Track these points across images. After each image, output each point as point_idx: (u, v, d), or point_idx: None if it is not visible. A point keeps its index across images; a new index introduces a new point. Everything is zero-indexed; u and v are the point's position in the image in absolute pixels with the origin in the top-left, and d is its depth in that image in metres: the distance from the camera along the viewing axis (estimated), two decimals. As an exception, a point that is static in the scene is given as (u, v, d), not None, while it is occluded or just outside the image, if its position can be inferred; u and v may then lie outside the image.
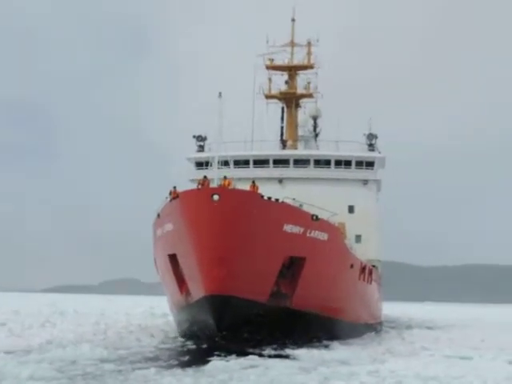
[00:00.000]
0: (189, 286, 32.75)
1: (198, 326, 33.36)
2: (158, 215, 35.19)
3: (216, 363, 24.71)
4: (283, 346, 31.35)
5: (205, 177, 32.78)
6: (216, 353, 28.12)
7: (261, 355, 27.91)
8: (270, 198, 31.88)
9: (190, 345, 32.76)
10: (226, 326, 30.50)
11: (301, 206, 35.91)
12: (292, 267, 33.42)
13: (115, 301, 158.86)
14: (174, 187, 33.66)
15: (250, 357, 26.82)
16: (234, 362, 25.08)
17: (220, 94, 32.16)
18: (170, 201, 32.66)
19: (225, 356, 27.12)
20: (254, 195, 31.65)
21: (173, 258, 33.72)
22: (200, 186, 32.04)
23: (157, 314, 67.42)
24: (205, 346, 31.20)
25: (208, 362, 24.96)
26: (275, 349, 30.54)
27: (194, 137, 52.99)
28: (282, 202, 33.06)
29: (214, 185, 31.98)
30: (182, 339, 35.68)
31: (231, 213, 29.64)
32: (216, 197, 29.36)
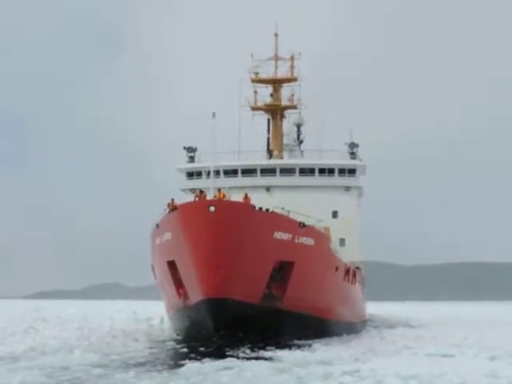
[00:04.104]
0: (187, 290, 35.30)
1: (195, 327, 35.81)
2: (157, 225, 37.85)
3: (191, 365, 24.95)
4: (264, 347, 32.25)
5: (201, 191, 35.55)
6: (192, 355, 29.14)
7: (238, 357, 28.49)
8: (261, 209, 34.67)
9: (179, 348, 33.82)
10: (222, 327, 32.99)
11: (288, 213, 38.68)
12: (282, 271, 36.00)
13: (98, 306, 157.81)
14: (172, 199, 36.63)
15: (228, 359, 27.26)
16: (209, 364, 25.34)
17: (214, 114, 34.81)
18: (169, 212, 35.48)
19: (201, 358, 27.70)
20: (247, 206, 34.38)
21: (171, 265, 36.33)
22: (197, 199, 34.92)
23: (140, 318, 67.62)
24: (198, 346, 32.73)
25: (183, 364, 25.45)
26: (254, 350, 31.35)
27: (184, 148, 55.57)
28: (272, 212, 35.72)
29: (210, 193, 34.78)
30: (171, 342, 37.33)
31: (226, 223, 32.19)
32: (212, 208, 32.03)
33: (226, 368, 24.51)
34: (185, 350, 32.34)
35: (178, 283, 36.40)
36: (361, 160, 54.89)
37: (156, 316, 63.78)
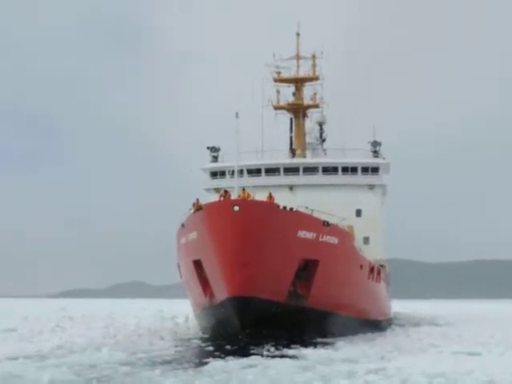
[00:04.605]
0: (213, 289, 35.67)
1: (221, 326, 36.20)
2: (182, 225, 38.28)
3: (215, 364, 24.91)
4: (288, 345, 32.13)
5: (225, 191, 35.91)
6: (217, 353, 29.27)
7: (262, 355, 28.50)
8: (285, 208, 34.96)
9: (205, 346, 33.89)
10: (248, 325, 33.27)
11: (312, 212, 38.91)
12: (307, 269, 36.34)
13: (123, 304, 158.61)
14: (197, 199, 37.09)
15: (252, 357, 27.35)
16: (234, 363, 25.29)
17: (237, 114, 35.13)
18: (194, 212, 35.88)
19: (225, 357, 27.72)
20: (271, 206, 34.69)
21: (197, 264, 36.72)
22: (222, 198, 35.30)
23: (165, 317, 67.79)
24: (224, 344, 32.85)
25: (208, 362, 25.41)
26: (279, 349, 31.31)
27: (207, 148, 55.99)
28: (296, 211, 35.99)
29: (234, 193, 35.13)
30: (197, 340, 37.54)
31: (251, 222, 32.50)
32: (237, 207, 32.35)
33: (251, 366, 24.57)
34: (210, 348, 32.45)
35: (204, 282, 36.78)
36: (384, 158, 54.91)
37: (181, 314, 64.16)
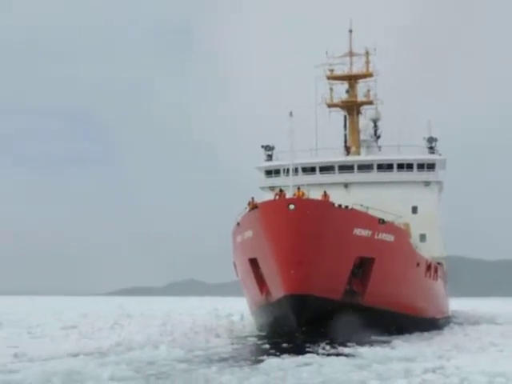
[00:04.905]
0: (269, 287, 35.97)
1: (278, 323, 36.48)
2: (238, 224, 38.64)
3: (271, 361, 25.05)
4: (344, 343, 32.09)
5: (280, 189, 36.08)
6: (272, 351, 29.41)
7: (318, 353, 28.47)
8: (340, 206, 34.94)
9: (261, 344, 34.05)
10: (304, 322, 33.48)
11: (367, 209, 38.78)
12: (362, 267, 36.35)
13: (179, 302, 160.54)
14: (252, 198, 37.43)
15: (307, 355, 27.26)
16: (289, 360, 25.42)
17: (291, 113, 35.23)
18: (249, 211, 36.18)
19: (280, 354, 27.77)
20: (326, 204, 34.76)
21: (253, 262, 37.03)
22: (277, 197, 35.50)
23: (221, 314, 68.51)
24: (280, 341, 32.99)
25: (263, 360, 25.57)
26: (334, 347, 31.19)
27: (262, 147, 56.22)
28: (352, 209, 35.96)
29: (289, 191, 35.27)
30: (253, 338, 37.85)
31: (306, 220, 32.66)
32: (292, 206, 32.52)
33: (306, 364, 24.59)
34: (266, 345, 32.60)
35: (260, 280, 37.09)
36: (440, 154, 54.21)
37: (236, 312, 64.69)
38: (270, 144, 56.09)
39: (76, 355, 27.25)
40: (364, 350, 29.35)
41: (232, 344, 34.28)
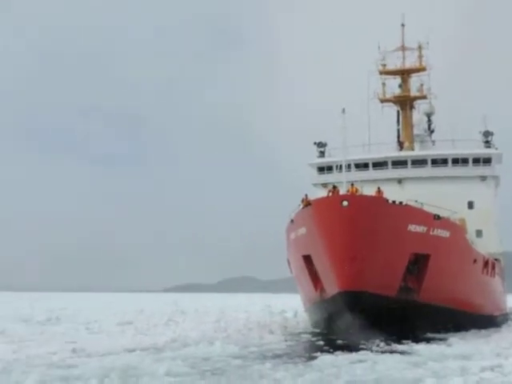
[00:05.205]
0: (323, 284, 35.87)
1: (332, 320, 36.41)
2: (292, 221, 38.65)
3: (324, 358, 24.93)
4: (399, 341, 31.77)
5: (334, 186, 35.95)
6: (326, 348, 29.37)
7: (371, 350, 28.29)
8: (394, 202, 34.61)
9: (315, 341, 33.89)
10: (359, 319, 33.42)
11: (422, 205, 38.30)
12: (417, 264, 35.95)
13: (233, 299, 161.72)
14: (306, 195, 37.39)
15: (361, 352, 27.13)
16: (343, 357, 25.27)
17: (343, 110, 35.06)
18: (303, 208, 36.14)
19: (333, 351, 27.63)
20: (380, 200, 34.50)
21: (307, 259, 37.00)
22: (330, 194, 35.39)
23: (274, 311, 68.45)
24: (334, 338, 33.15)
25: (317, 357, 25.46)
26: (388, 344, 31.02)
27: (314, 143, 56.03)
28: (406, 205, 35.56)
29: (342, 187, 35.12)
30: (306, 335, 37.73)
31: (360, 216, 32.46)
32: (345, 203, 32.37)
33: (360, 361, 24.40)
34: (320, 342, 32.57)
35: (314, 277, 37.03)
36: (496, 148, 53.16)
37: (290, 309, 64.74)
38: (323, 141, 55.88)
39: (132, 351, 27.62)
40: (419, 348, 29.04)
41: (286, 341, 34.32)
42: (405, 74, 57.57)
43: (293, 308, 62.10)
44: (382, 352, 27.89)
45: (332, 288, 34.27)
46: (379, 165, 52.58)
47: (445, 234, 36.73)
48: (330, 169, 52.54)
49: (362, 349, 28.77)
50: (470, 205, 51.22)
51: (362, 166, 52.12)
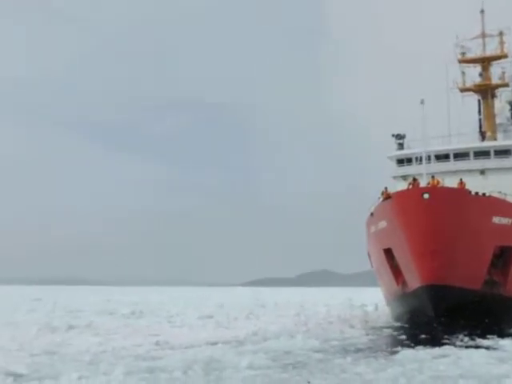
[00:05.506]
0: (405, 277, 35.42)
1: (414, 314, 35.91)
2: (372, 214, 38.32)
3: (406, 353, 24.61)
4: (483, 335, 30.93)
5: (414, 179, 35.44)
6: (407, 342, 28.88)
7: (455, 345, 27.68)
8: (477, 193, 33.83)
9: (397, 335, 33.48)
10: (442, 313, 32.74)
11: (505, 196, 37.30)
12: (503, 257, 35.08)
13: (312, 292, 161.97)
14: (386, 188, 36.98)
15: (444, 347, 26.54)
16: (425, 352, 24.75)
17: (422, 100, 34.55)
18: (383, 201, 35.78)
19: (414, 346, 27.15)
20: (462, 192, 33.77)
21: (388, 252, 36.62)
22: (410, 186, 34.89)
23: (354, 305, 67.81)
24: (417, 333, 32.36)
25: (398, 351, 25.10)
26: (473, 338, 30.22)
27: (393, 135, 55.25)
28: (490, 196, 34.74)
29: (423, 180, 34.56)
30: (388, 329, 37.30)
31: (442, 209, 31.86)
32: (427, 195, 31.84)
33: (443, 356, 23.80)
34: (402, 336, 32.04)
35: (396, 270, 36.62)
36: None
37: (370, 302, 64.15)
38: (401, 132, 55.06)
39: (214, 344, 27.88)
40: (505, 343, 28.15)
41: (367, 335, 34.02)
42: (485, 61, 56.00)
43: (373, 302, 61.44)
44: (466, 347, 27.27)
45: (414, 282, 33.81)
46: (461, 156, 51.37)
47: None
48: (409, 161, 51.68)
49: (446, 343, 28.21)
50: (557, 195, 49.49)
51: (443, 157, 51.02)
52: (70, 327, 36.30)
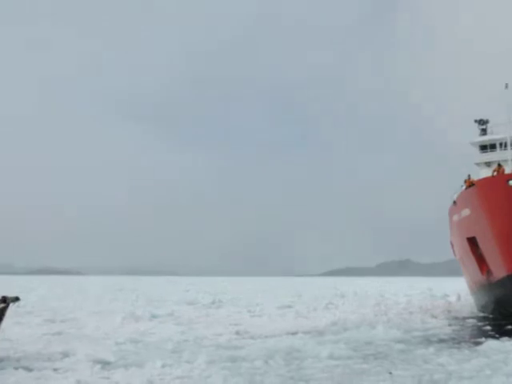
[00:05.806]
0: (490, 266, 34.53)
1: (500, 304, 34.95)
2: (454, 202, 37.44)
3: (491, 343, 24.18)
4: None
5: (499, 165, 34.39)
6: (492, 333, 28.43)
7: None
8: None
9: (481, 325, 32.87)
10: None
11: None
12: None
13: (391, 282, 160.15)
14: (469, 175, 36.03)
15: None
16: (511, 343, 24.32)
17: (506, 85, 33.50)
18: (466, 188, 34.89)
19: (499, 337, 26.72)
20: None
21: (471, 241, 35.73)
22: (495, 173, 33.87)
23: (436, 295, 66.88)
24: (503, 323, 31.97)
25: (483, 342, 24.72)
26: None
27: (475, 121, 53.75)
28: None
29: (508, 166, 33.49)
30: (472, 319, 36.38)
31: None
32: None
33: (529, 347, 23.26)
34: (487, 327, 31.42)
35: (480, 259, 35.70)
36: None
37: (452, 293, 62.87)
38: (484, 118, 53.46)
39: (294, 333, 27.95)
40: None
41: (450, 325, 33.45)
42: None
43: (456, 292, 60.17)
44: None
45: (500, 271, 32.88)
46: None
47: None
48: (493, 147, 50.19)
49: None
50: None
51: None
52: (153, 316, 37.07)
